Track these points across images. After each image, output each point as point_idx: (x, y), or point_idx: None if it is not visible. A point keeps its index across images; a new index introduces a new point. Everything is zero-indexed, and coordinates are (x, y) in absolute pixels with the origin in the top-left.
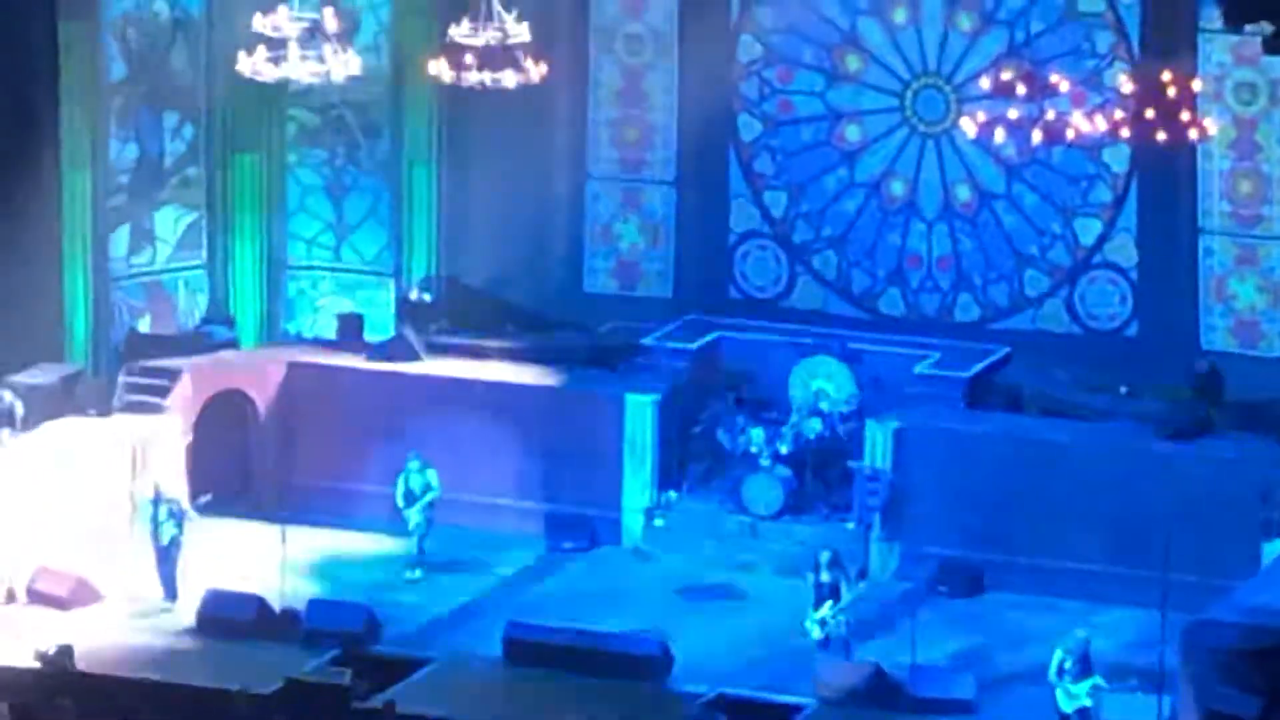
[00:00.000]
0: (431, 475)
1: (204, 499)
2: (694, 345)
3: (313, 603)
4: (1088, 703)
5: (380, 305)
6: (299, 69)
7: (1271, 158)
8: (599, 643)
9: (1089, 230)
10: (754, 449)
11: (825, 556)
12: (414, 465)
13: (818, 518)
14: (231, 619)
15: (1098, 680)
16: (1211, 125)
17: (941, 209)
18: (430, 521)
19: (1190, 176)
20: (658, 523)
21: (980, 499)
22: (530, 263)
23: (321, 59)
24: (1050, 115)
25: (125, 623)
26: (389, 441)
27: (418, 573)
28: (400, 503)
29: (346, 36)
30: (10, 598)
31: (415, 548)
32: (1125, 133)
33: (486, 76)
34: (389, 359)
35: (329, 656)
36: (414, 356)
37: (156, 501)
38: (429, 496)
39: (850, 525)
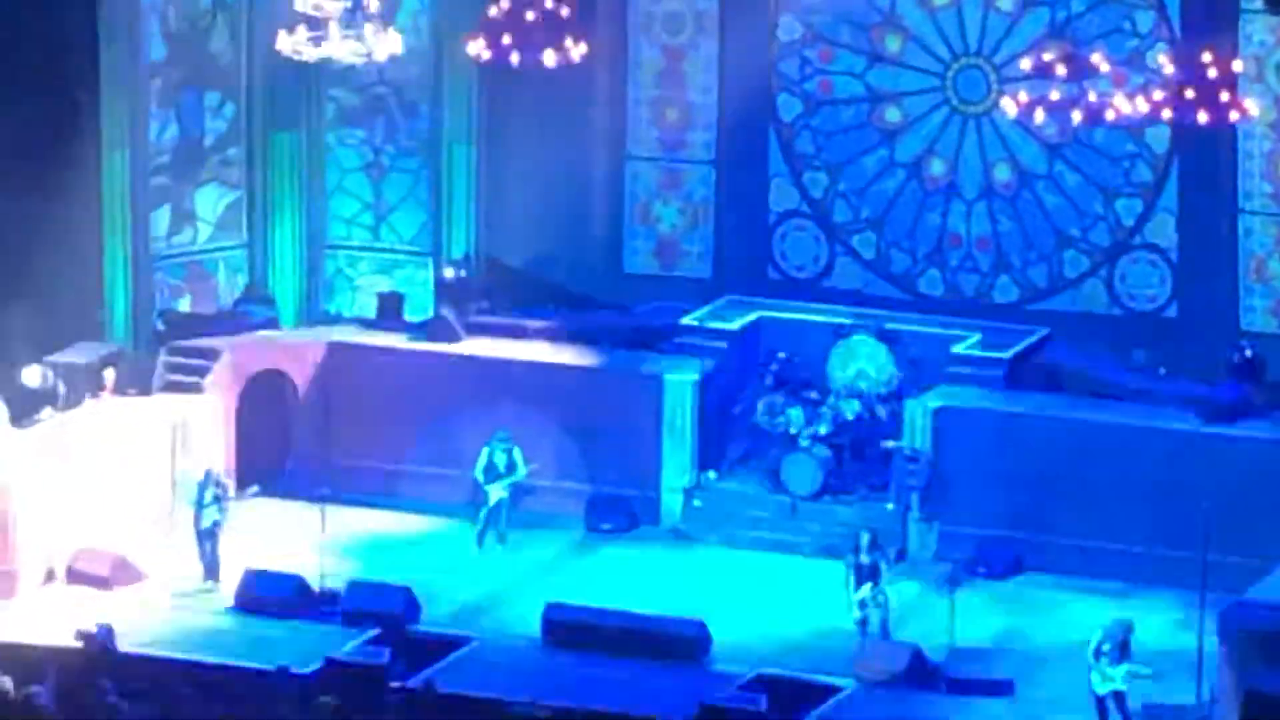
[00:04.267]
0: (517, 454)
1: (252, 490)
2: (733, 326)
3: (352, 583)
4: (1122, 686)
5: (419, 285)
6: (339, 48)
7: None
8: (637, 624)
9: (1129, 210)
10: (793, 429)
11: (864, 538)
12: (500, 443)
13: (856, 498)
14: (271, 599)
15: (1135, 667)
16: (1252, 106)
17: (982, 189)
18: (514, 501)
19: (1231, 157)
20: (696, 503)
21: (1019, 479)
22: (569, 243)
23: (362, 38)
24: (1091, 96)
25: (165, 602)
26: (428, 421)
27: (498, 550)
28: (480, 476)
29: (387, 16)
30: (51, 577)
31: (481, 524)
32: (1166, 113)
33: (526, 56)
34: (429, 339)
35: (368, 636)
36: (454, 337)
37: (204, 484)
38: (516, 475)
39: (889, 506)
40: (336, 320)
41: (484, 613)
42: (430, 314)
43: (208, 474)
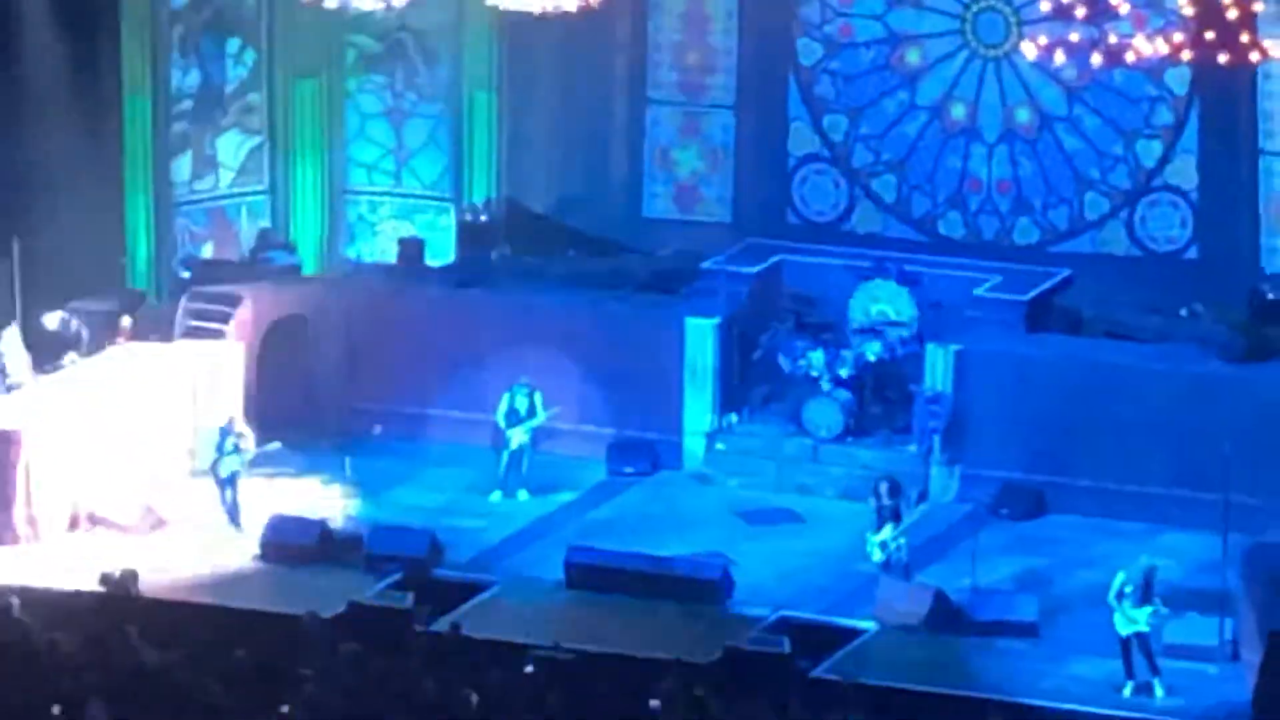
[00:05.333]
0: (538, 398)
1: (272, 446)
2: (754, 269)
3: (376, 527)
4: (1145, 628)
5: (441, 230)
6: None
7: None
8: (660, 567)
9: (1150, 152)
10: (814, 372)
11: (885, 482)
12: (521, 388)
13: (878, 441)
14: (295, 544)
15: (1158, 608)
16: (1273, 47)
17: (1002, 132)
18: (535, 445)
19: (1251, 98)
20: (719, 446)
21: (1041, 422)
22: (590, 187)
23: None
24: (1111, 38)
25: (189, 548)
26: (451, 366)
27: (523, 495)
28: (502, 422)
29: None
30: (75, 523)
31: (503, 469)
32: (1186, 55)
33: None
34: (451, 283)
35: (392, 580)
36: (476, 281)
37: (225, 432)
38: (537, 420)
39: (911, 448)
40: (358, 265)
41: (506, 556)
42: (452, 259)
43: (229, 422)
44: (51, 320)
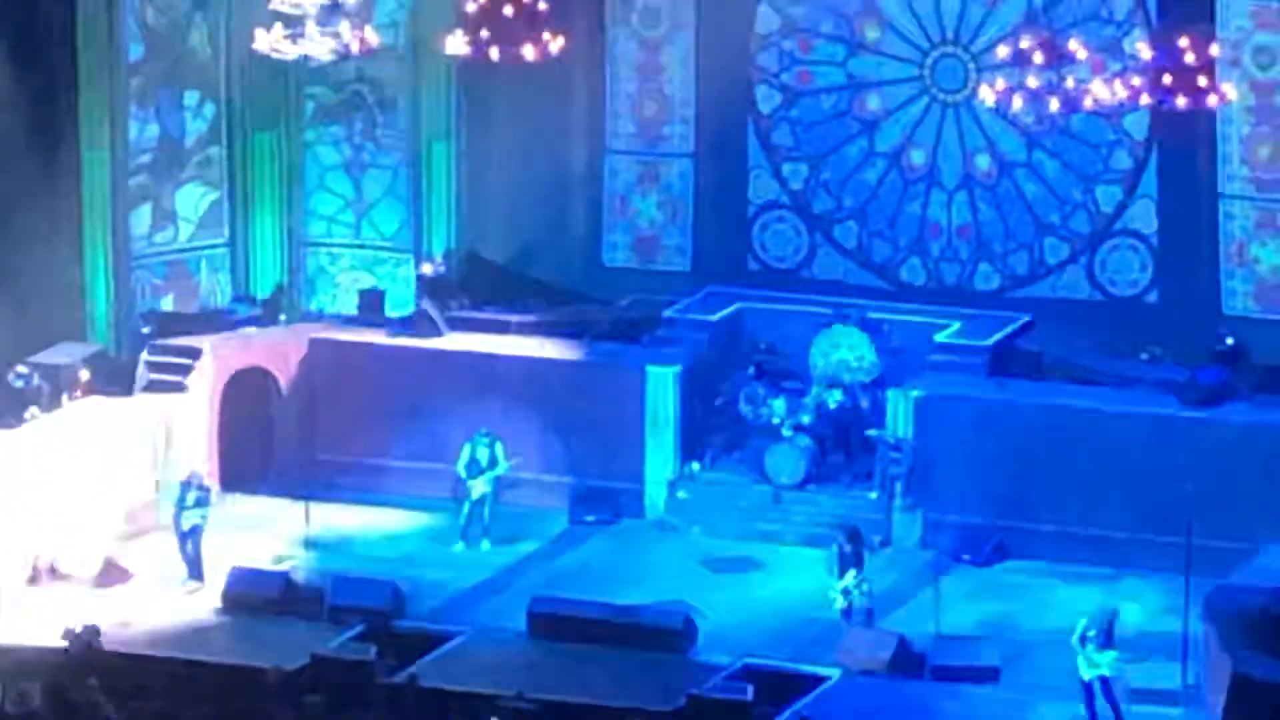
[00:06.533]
0: (499, 448)
1: (232, 498)
2: (715, 317)
3: (338, 579)
4: (1108, 672)
5: (401, 281)
6: (317, 46)
7: None
8: (623, 615)
9: (1109, 197)
10: (776, 419)
11: (847, 528)
12: (482, 438)
13: (840, 487)
14: (257, 596)
15: (1119, 655)
16: (1230, 90)
17: (962, 178)
18: (496, 496)
19: (1210, 142)
20: (681, 494)
21: (1003, 467)
22: (549, 237)
23: (339, 36)
24: (1069, 83)
25: (151, 601)
26: (411, 417)
27: (485, 545)
28: (463, 472)
29: (364, 13)
30: (37, 577)
31: (465, 520)
32: (1144, 99)
33: (504, 51)
34: (410, 335)
35: (354, 632)
36: (436, 332)
37: (186, 486)
38: (498, 470)
39: (873, 494)
40: (318, 317)
41: (470, 607)
42: (412, 310)
43: (191, 475)
44: (14, 378)
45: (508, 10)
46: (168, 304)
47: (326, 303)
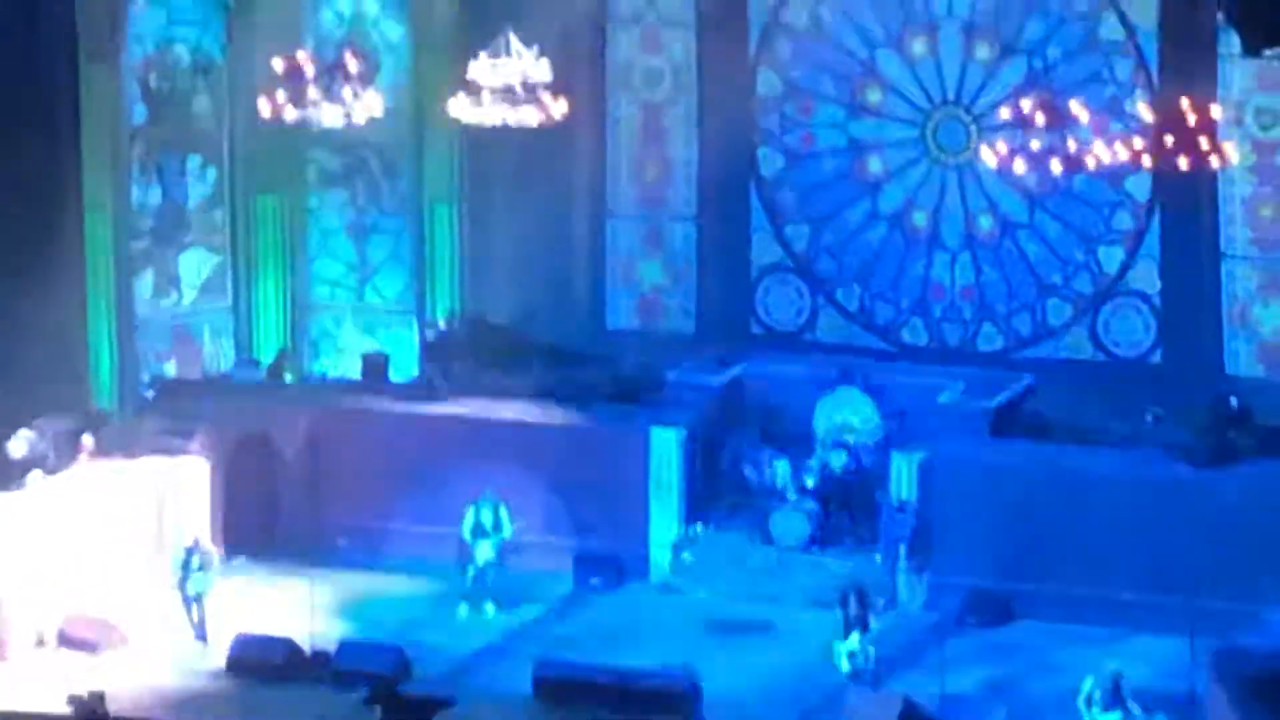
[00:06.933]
0: (504, 512)
1: (236, 561)
2: (718, 380)
3: (343, 644)
4: None
5: (404, 345)
6: (320, 111)
7: None
8: (628, 679)
9: (1112, 258)
10: (780, 482)
11: (853, 589)
12: (487, 502)
13: (845, 550)
14: (262, 662)
15: (1123, 716)
16: (1232, 151)
17: (964, 239)
18: (501, 559)
19: (1212, 202)
20: (685, 557)
21: (1007, 528)
22: (553, 300)
23: (342, 101)
24: (1071, 144)
25: (156, 667)
26: (416, 481)
27: (490, 609)
28: (467, 536)
29: (367, 78)
30: (41, 643)
31: (469, 584)
32: (1146, 160)
33: (507, 114)
34: (414, 398)
35: (359, 697)
36: (439, 395)
37: (190, 551)
38: (503, 534)
39: (878, 557)
40: (322, 381)
41: (474, 671)
42: (415, 374)
43: (194, 540)
44: (18, 443)
45: (510, 75)
46: (171, 369)
47: (330, 367)
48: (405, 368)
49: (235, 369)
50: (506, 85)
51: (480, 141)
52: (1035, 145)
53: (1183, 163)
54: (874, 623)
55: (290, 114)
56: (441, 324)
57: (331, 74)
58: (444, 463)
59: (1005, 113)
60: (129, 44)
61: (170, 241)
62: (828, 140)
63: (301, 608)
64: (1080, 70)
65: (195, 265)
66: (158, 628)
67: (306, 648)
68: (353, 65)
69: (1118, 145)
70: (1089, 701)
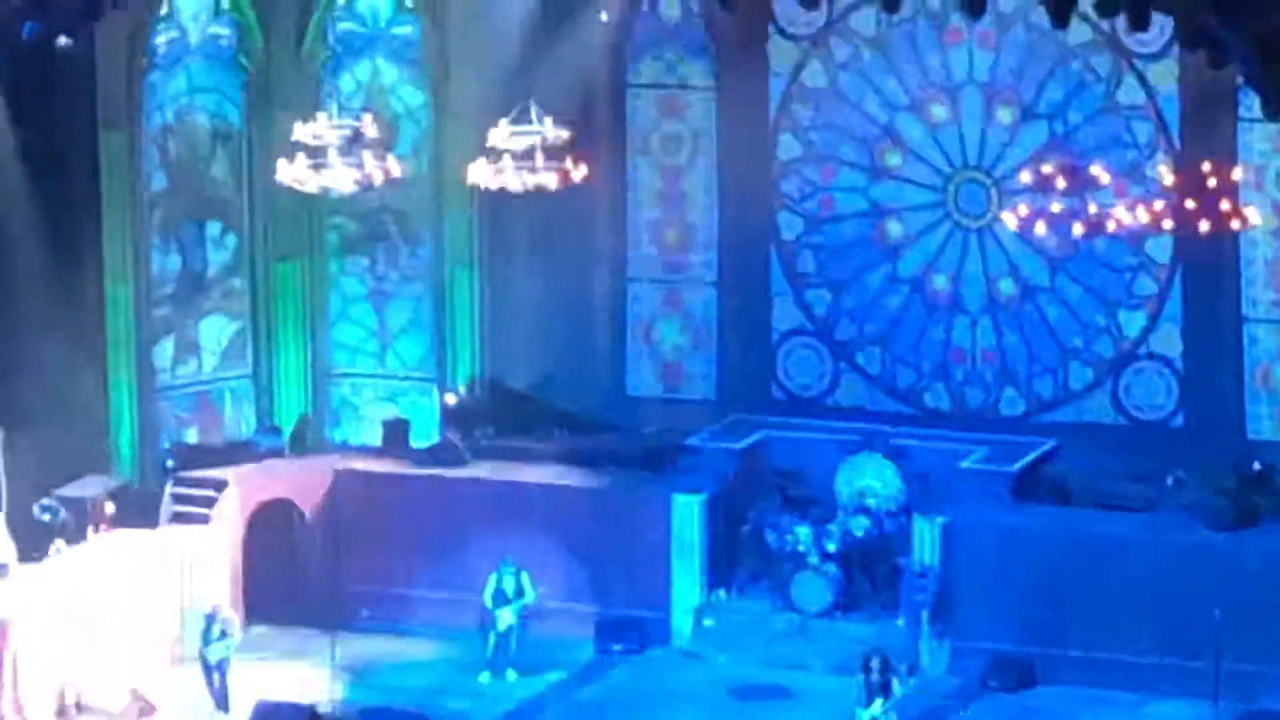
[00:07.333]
0: (525, 579)
1: (257, 628)
2: (739, 445)
3: (364, 710)
4: None
5: (425, 410)
6: (340, 177)
7: None
8: None
9: (1133, 321)
10: (802, 547)
11: (875, 655)
12: (508, 568)
13: (867, 615)
14: None
15: None
16: (1253, 214)
17: (985, 303)
18: (524, 625)
19: (1234, 265)
20: (707, 623)
21: (1030, 593)
22: (573, 365)
23: (362, 166)
24: (1092, 207)
25: None
26: (437, 547)
27: (512, 675)
28: (489, 603)
29: (386, 143)
30: (62, 711)
31: (491, 650)
32: (1167, 223)
33: (527, 179)
34: (435, 464)
35: None
36: (460, 461)
37: (211, 619)
38: (524, 600)
39: (900, 622)
40: (342, 448)
41: None
42: (436, 439)
43: (215, 608)
44: (39, 511)
45: (530, 140)
46: (192, 436)
47: (351, 433)
48: (426, 433)
49: (256, 435)
50: (526, 150)
51: (500, 207)
52: (1056, 209)
53: (1204, 226)
54: (897, 688)
55: (310, 180)
56: (462, 390)
57: (351, 140)
58: (465, 528)
59: (1026, 176)
60: (148, 112)
61: (190, 308)
62: (848, 204)
63: (323, 674)
64: (1101, 133)
65: (215, 332)
66: (179, 696)
67: (328, 715)
68: (372, 131)
69: (1139, 208)
70: None
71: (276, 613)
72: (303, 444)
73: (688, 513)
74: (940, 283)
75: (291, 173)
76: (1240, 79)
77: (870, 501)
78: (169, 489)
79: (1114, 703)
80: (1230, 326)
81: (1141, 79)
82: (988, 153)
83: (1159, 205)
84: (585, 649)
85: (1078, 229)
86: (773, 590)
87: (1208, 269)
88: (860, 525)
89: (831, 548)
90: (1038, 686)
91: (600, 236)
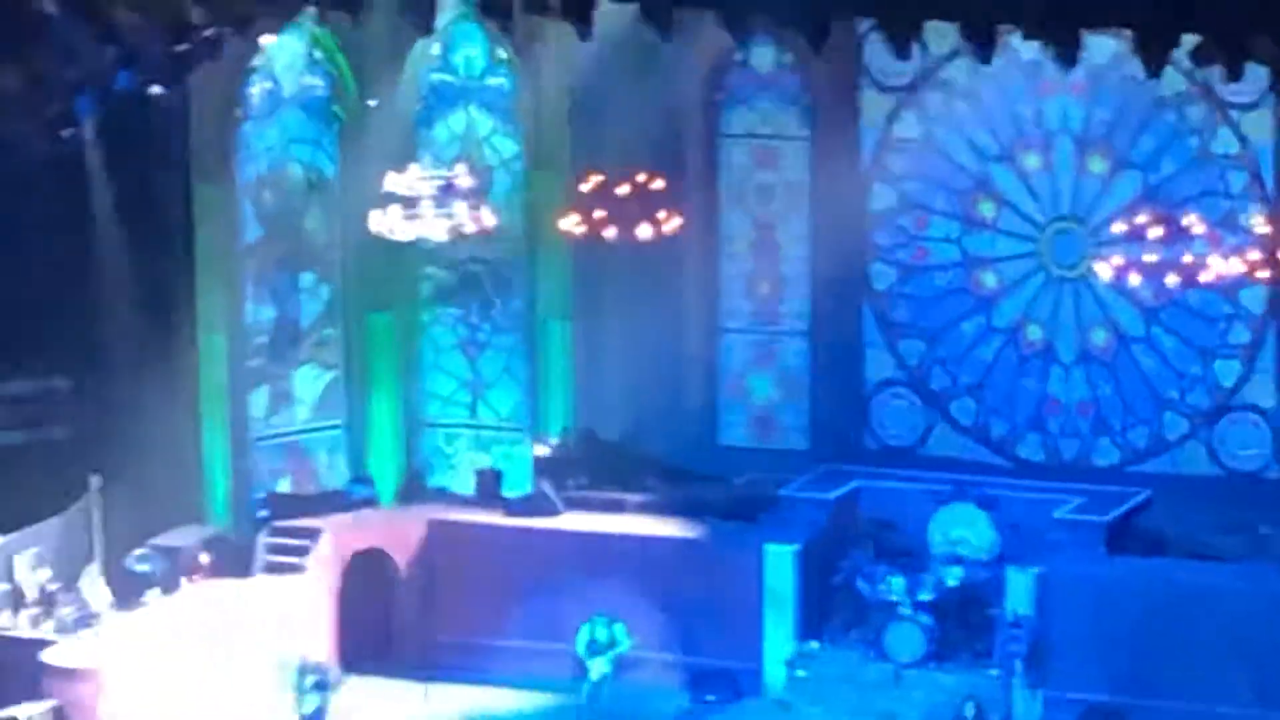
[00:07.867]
0: (619, 628)
1: (352, 678)
2: (832, 495)
3: None
4: None
5: (518, 460)
6: (433, 227)
7: None
8: None
9: (1228, 371)
10: (895, 597)
11: (970, 707)
12: (602, 620)
13: (961, 665)
14: None
15: None
16: None
17: (1079, 353)
18: (616, 676)
19: None
20: (800, 673)
21: (1124, 643)
22: (665, 416)
23: (454, 216)
24: (1187, 257)
25: None
26: (530, 597)
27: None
28: (582, 652)
29: (479, 193)
30: None
31: (586, 699)
32: (1262, 273)
33: (620, 230)
34: (528, 514)
35: None
36: (553, 511)
37: (302, 671)
38: (618, 650)
39: (994, 672)
40: (436, 497)
41: None
42: (529, 489)
43: (304, 660)
44: (134, 561)
45: (623, 190)
46: (285, 486)
47: (444, 483)
48: (519, 483)
49: (349, 485)
50: (619, 200)
51: (592, 256)
52: (1150, 259)
53: None
54: None
55: (403, 230)
56: (555, 440)
57: (444, 190)
58: (558, 578)
59: (1120, 226)
60: (242, 163)
61: (284, 359)
62: (941, 254)
63: None
64: (1195, 183)
65: (309, 382)
66: None
67: None
68: (465, 181)
69: (1233, 258)
70: None
71: (370, 662)
72: (395, 494)
73: (780, 563)
74: (1034, 333)
75: (385, 223)
76: None
77: (963, 551)
78: (262, 539)
79: None
80: None
81: (1235, 129)
82: (1081, 203)
83: (1254, 255)
84: (678, 699)
85: (1172, 279)
86: (866, 640)
87: None
88: (954, 575)
89: (925, 597)
90: None
91: (692, 287)
